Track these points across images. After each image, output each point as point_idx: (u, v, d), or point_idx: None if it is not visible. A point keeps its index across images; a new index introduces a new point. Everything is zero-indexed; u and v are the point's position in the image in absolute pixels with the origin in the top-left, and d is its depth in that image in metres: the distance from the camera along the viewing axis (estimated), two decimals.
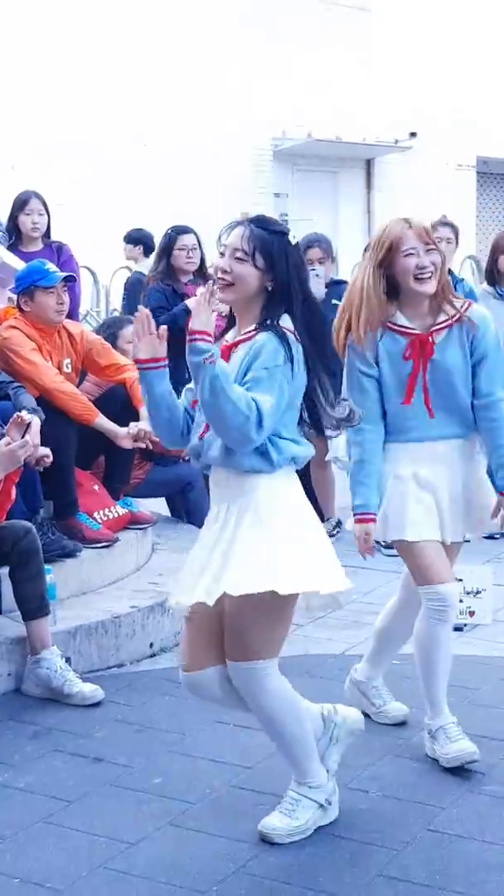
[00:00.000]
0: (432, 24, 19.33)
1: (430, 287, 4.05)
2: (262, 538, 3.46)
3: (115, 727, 4.55)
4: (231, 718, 4.52)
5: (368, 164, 19.62)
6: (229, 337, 3.63)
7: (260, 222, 3.55)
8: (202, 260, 7.10)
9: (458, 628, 5.62)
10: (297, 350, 3.43)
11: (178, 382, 3.70)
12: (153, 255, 8.15)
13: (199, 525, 6.18)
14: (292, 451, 3.51)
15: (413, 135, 18.84)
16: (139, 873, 3.50)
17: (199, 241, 7.12)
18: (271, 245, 3.47)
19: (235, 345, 3.53)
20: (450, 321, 4.12)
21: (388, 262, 4.04)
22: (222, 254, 3.51)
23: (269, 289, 3.48)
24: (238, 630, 3.49)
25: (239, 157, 16.91)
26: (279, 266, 3.47)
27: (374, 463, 4.20)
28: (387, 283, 4.09)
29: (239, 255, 3.45)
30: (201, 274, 7.01)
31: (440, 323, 4.13)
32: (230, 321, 3.69)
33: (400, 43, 18.92)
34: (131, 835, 3.73)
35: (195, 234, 7.16)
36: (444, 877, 3.47)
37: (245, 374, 3.42)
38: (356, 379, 4.21)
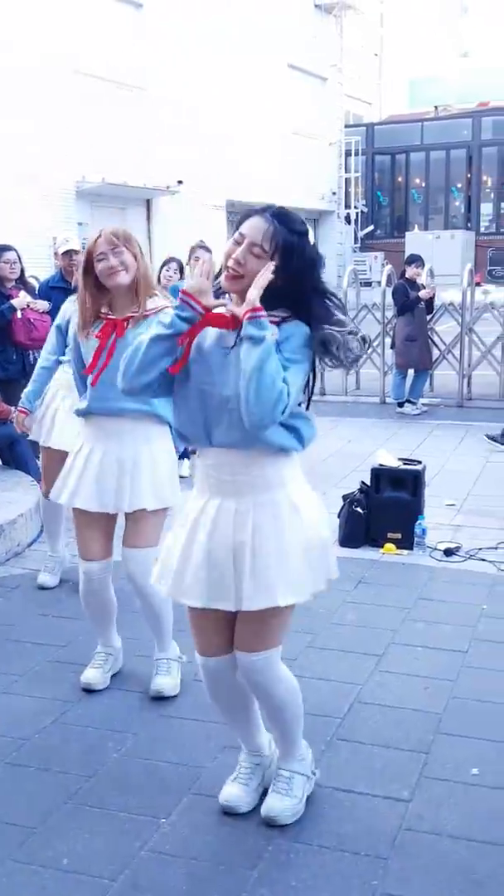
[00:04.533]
0: (194, 101, 20.81)
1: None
2: (309, 535, 2.90)
3: None
4: (52, 611, 4.93)
5: (148, 202, 20.58)
6: (220, 307, 2.83)
7: (283, 219, 2.77)
8: (21, 271, 7.21)
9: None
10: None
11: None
12: None
13: (26, 471, 6.63)
14: (313, 430, 2.91)
15: (180, 182, 20.09)
16: None
17: (19, 257, 7.15)
18: (292, 245, 2.75)
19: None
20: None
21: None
22: (238, 242, 2.76)
23: (279, 283, 2.71)
24: (261, 624, 2.91)
25: (49, 194, 17.59)
26: (294, 265, 2.75)
27: None
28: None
29: (256, 251, 2.73)
30: (21, 281, 7.21)
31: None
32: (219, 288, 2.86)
33: (169, 112, 20.21)
34: None
35: (15, 251, 7.15)
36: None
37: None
38: None
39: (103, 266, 3.73)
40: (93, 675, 4.06)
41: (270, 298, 2.71)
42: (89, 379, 3.81)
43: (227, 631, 3.00)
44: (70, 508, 4.02)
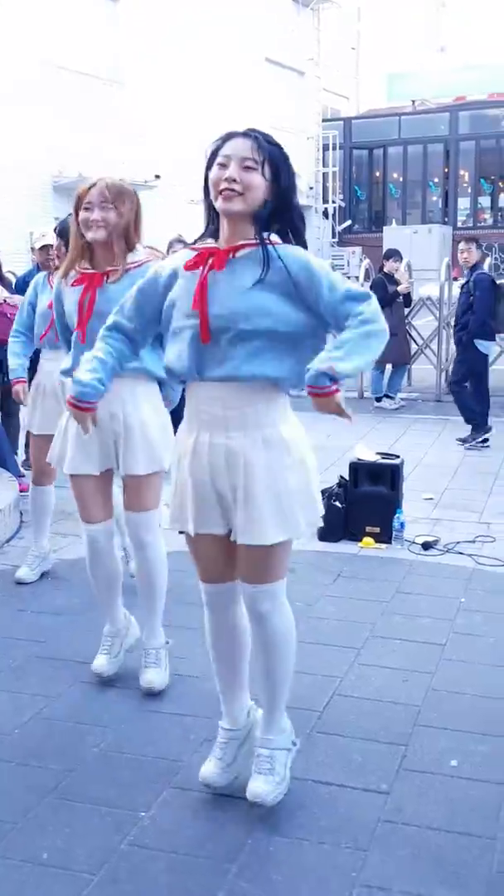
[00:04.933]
0: (171, 95, 20.89)
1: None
2: (300, 474, 2.93)
3: None
4: (31, 606, 5.15)
5: None
6: (210, 241, 2.91)
7: (262, 134, 2.82)
8: None
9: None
10: None
11: None
12: None
13: (5, 467, 6.68)
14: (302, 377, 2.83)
15: (157, 177, 20.02)
16: None
17: None
18: (278, 157, 2.81)
19: (236, 249, 2.82)
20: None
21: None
22: (224, 164, 2.78)
23: (268, 200, 2.80)
24: (260, 559, 2.92)
25: (27, 189, 17.72)
26: (283, 178, 2.81)
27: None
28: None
29: (249, 163, 2.76)
30: None
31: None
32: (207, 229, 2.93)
33: (145, 107, 20.31)
34: None
35: None
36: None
37: (283, 283, 2.77)
38: None
39: (85, 216, 3.73)
40: (100, 661, 4.08)
41: (266, 218, 2.79)
42: (76, 335, 3.75)
43: (227, 556, 3.02)
44: (66, 474, 3.98)
